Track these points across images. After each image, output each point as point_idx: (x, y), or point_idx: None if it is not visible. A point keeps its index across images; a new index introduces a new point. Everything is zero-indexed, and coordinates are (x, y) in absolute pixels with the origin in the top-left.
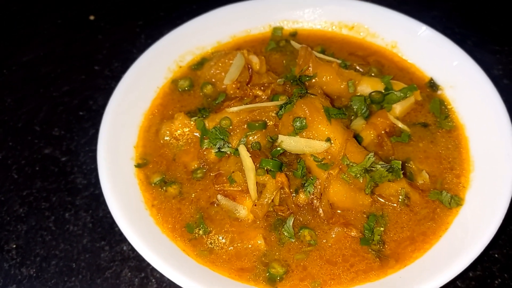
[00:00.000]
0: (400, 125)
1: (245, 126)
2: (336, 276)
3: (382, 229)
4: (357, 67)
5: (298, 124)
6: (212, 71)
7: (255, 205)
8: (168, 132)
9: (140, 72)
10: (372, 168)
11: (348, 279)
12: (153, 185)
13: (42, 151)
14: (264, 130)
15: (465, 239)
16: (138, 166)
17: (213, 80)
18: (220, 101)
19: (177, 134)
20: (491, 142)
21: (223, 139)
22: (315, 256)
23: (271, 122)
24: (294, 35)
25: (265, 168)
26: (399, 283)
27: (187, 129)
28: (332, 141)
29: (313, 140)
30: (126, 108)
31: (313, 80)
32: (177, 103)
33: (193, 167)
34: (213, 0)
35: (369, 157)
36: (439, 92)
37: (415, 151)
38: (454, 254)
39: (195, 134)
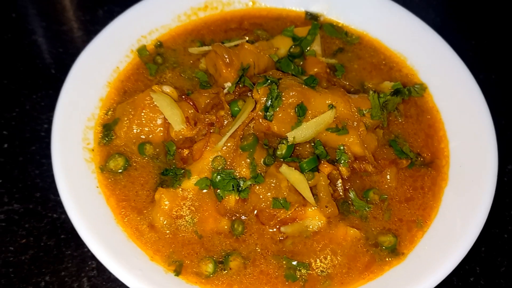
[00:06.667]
0: (331, 61)
1: (240, 151)
2: (424, 205)
3: (407, 145)
4: (248, 38)
5: (301, 111)
6: (134, 131)
7: (327, 206)
8: (164, 219)
9: (69, 188)
10: (386, 102)
11: (433, 201)
12: (212, 276)
13: None
14: (260, 142)
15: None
16: (177, 273)
17: (143, 137)
18: (174, 151)
19: (175, 213)
20: (395, 30)
21: (235, 178)
22: (395, 205)
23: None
24: (160, 45)
25: (307, 170)
26: (467, 170)
27: (180, 199)
28: (334, 105)
29: (320, 116)
30: (100, 227)
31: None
32: (132, 188)
33: (225, 227)
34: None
35: (373, 96)
36: (321, 18)
37: (359, 73)
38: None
39: (191, 196)
